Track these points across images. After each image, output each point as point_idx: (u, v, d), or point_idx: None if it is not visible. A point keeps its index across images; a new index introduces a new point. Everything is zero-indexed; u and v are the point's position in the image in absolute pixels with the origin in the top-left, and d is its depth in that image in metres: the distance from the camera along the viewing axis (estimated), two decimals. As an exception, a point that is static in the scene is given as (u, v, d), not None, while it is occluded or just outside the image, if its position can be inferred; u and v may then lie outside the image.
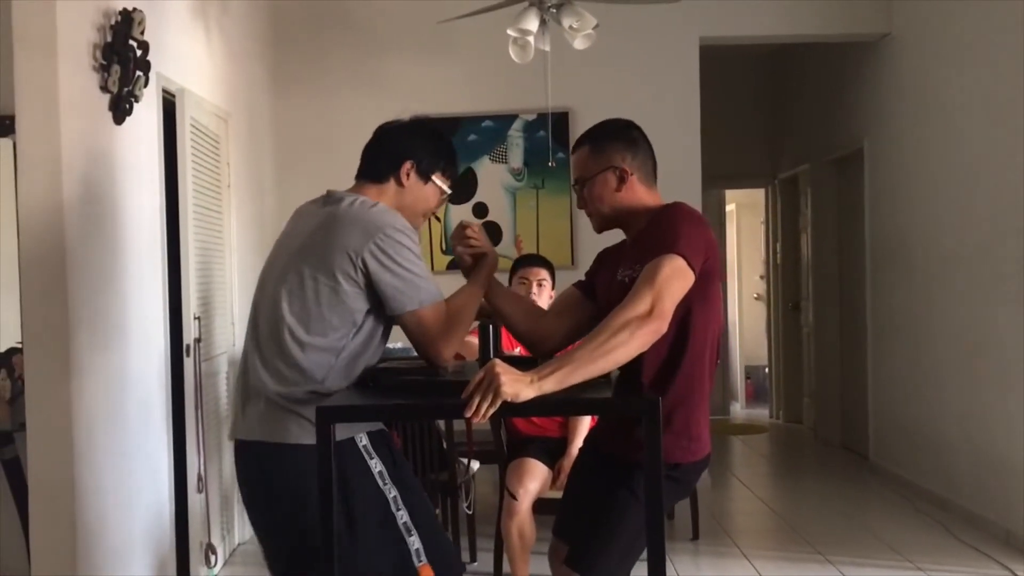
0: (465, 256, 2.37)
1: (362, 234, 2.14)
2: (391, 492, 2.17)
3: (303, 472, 2.05)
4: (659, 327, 1.99)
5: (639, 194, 2.31)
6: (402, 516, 2.17)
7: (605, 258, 2.47)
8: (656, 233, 2.16)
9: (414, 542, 2.17)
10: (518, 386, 1.80)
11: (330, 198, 2.29)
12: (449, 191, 2.41)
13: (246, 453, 2.24)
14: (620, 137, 2.33)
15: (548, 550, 2.57)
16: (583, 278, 2.51)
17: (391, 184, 2.32)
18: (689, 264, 2.07)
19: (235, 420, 2.33)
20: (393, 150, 2.34)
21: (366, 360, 2.23)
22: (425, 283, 2.18)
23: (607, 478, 2.30)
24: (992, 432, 4.65)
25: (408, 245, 2.17)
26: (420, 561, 2.16)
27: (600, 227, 2.39)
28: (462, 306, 2.28)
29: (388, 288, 2.14)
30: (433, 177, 2.35)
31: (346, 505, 2.08)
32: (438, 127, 2.45)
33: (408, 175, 2.32)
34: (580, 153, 2.36)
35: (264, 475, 2.20)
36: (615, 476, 2.28)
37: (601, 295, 2.38)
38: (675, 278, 2.04)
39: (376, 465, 2.17)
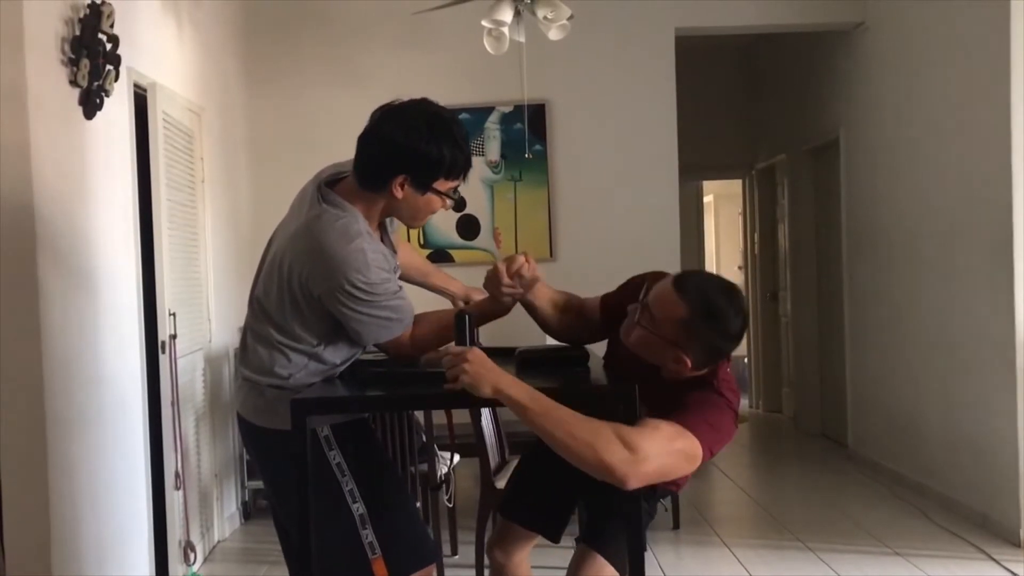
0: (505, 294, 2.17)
1: (323, 280, 2.06)
2: (348, 484, 2.17)
3: (264, 450, 2.26)
4: (623, 482, 1.82)
5: (687, 372, 2.08)
6: (358, 508, 2.16)
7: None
8: (697, 398, 2.01)
9: (367, 535, 2.16)
10: (479, 380, 1.80)
11: (317, 197, 2.14)
12: (453, 198, 2.16)
13: (239, 416, 2.34)
14: (716, 341, 2.03)
15: (495, 537, 2.55)
16: (612, 298, 2.31)
17: (384, 194, 2.12)
18: (703, 456, 1.94)
19: None
20: (383, 160, 2.08)
21: (345, 366, 2.23)
22: (385, 323, 2.12)
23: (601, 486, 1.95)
24: (968, 418, 4.69)
25: (367, 299, 2.06)
26: (374, 554, 2.16)
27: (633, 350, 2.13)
28: (432, 337, 2.21)
29: (346, 325, 2.13)
30: (434, 186, 2.11)
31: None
32: (442, 116, 2.13)
33: (401, 188, 2.09)
34: (672, 302, 2.02)
35: (245, 441, 2.40)
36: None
37: (623, 355, 2.19)
38: (683, 460, 1.91)
39: (335, 457, 2.17)
